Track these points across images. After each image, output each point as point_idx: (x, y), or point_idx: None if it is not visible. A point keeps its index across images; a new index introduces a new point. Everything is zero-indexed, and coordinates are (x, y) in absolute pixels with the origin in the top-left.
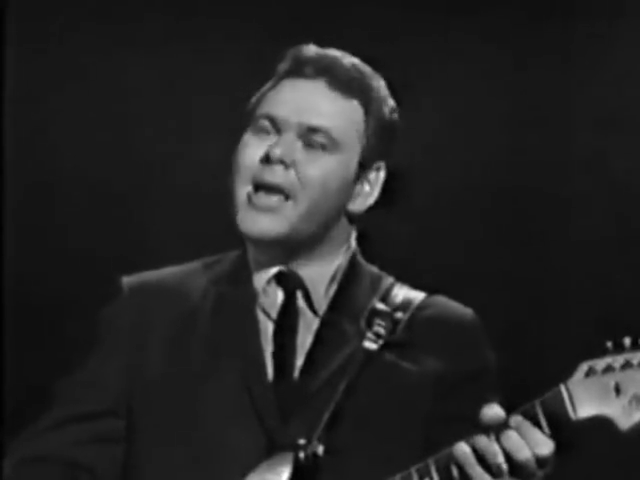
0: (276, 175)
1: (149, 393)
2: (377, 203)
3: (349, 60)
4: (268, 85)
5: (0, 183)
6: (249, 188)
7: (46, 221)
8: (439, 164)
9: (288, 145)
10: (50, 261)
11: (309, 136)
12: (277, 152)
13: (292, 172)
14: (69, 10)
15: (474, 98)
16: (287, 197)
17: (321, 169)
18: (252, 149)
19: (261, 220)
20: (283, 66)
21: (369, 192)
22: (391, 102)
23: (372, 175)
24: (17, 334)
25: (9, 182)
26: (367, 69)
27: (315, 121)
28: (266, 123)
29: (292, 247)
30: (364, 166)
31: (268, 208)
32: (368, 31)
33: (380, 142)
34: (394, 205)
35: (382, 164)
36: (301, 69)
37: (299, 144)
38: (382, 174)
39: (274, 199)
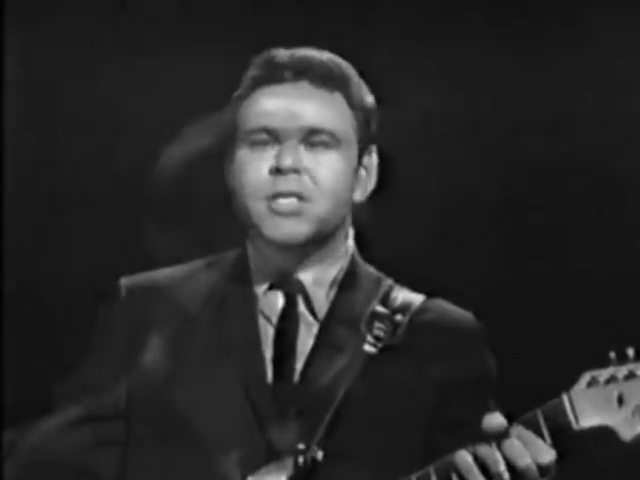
0: (291, 184)
1: (147, 396)
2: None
3: (321, 56)
4: (239, 95)
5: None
6: (265, 200)
7: (46, 221)
8: (436, 165)
9: (294, 152)
10: (50, 261)
11: (310, 138)
12: (288, 161)
13: (305, 177)
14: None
15: (473, 96)
16: (306, 201)
17: (330, 168)
18: (255, 164)
19: (286, 224)
20: (254, 74)
21: (367, 177)
22: (364, 85)
23: (366, 160)
24: (16, 336)
25: (8, 185)
26: (339, 59)
27: (313, 122)
28: (263, 136)
29: (309, 250)
30: (360, 154)
31: (291, 212)
32: (356, 30)
33: (367, 126)
34: (388, 189)
35: (373, 147)
36: (279, 74)
37: (302, 148)
38: (374, 157)
39: (295, 203)
